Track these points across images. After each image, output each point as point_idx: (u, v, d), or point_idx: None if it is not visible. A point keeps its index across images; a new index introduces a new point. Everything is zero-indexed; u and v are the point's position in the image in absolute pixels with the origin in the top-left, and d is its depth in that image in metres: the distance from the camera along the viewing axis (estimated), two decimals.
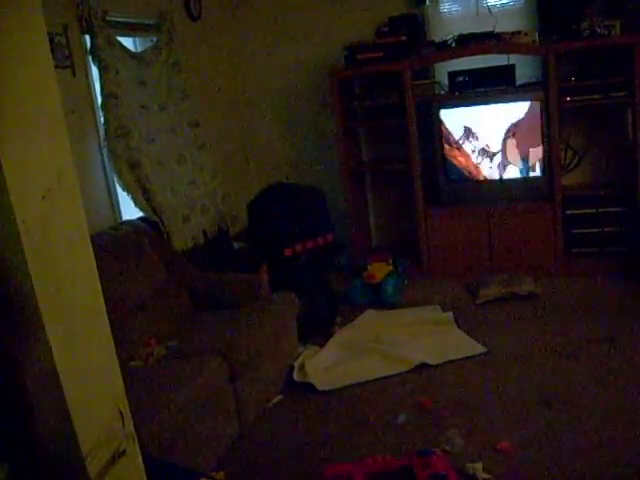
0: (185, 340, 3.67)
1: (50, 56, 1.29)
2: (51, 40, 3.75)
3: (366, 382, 3.87)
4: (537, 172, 5.11)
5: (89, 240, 1.33)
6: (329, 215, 4.91)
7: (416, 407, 3.55)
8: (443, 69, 5.36)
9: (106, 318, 1.37)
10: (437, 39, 5.26)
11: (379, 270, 5.08)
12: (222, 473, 3.12)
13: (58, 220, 1.22)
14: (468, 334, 4.31)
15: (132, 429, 1.43)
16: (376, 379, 3.89)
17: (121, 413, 1.41)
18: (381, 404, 3.65)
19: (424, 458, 2.64)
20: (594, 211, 5.08)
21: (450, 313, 4.61)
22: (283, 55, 5.87)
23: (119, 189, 4.35)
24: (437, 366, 3.95)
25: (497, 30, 5.03)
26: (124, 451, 1.38)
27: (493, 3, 5.32)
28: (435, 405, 3.55)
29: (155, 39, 4.85)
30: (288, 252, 4.54)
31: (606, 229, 5.08)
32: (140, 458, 1.43)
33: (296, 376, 3.95)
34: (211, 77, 5.66)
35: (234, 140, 5.99)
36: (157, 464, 2.31)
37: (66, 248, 1.24)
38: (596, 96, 4.86)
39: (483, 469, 2.93)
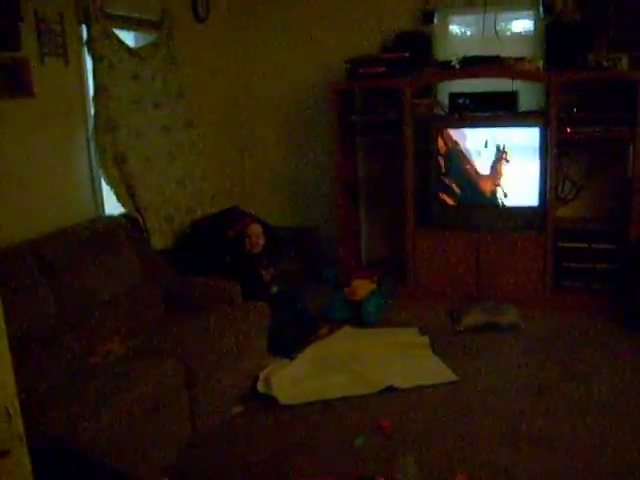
0: (149, 340, 3.60)
1: None
2: (40, 26, 3.72)
3: (331, 400, 3.77)
4: (533, 202, 5.01)
5: None
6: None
7: (376, 430, 3.45)
8: (445, 90, 5.28)
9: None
10: (442, 59, 5.19)
11: (362, 287, 4.99)
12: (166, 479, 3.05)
13: None
14: (443, 361, 4.20)
15: (21, 430, 1.37)
16: (341, 398, 3.80)
17: (9, 413, 1.35)
18: (342, 424, 3.55)
19: None
20: (586, 246, 4.98)
21: (426, 337, 4.51)
22: (287, 64, 5.81)
23: (104, 183, 4.31)
24: (405, 390, 3.85)
25: (503, 55, 4.95)
26: (8, 450, 1.33)
27: (502, 28, 5.26)
28: (396, 430, 3.45)
29: (155, 35, 4.82)
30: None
31: (597, 265, 4.97)
32: (27, 458, 1.37)
33: (260, 387, 3.86)
34: (211, 79, 5.62)
35: (230, 144, 5.92)
36: (84, 465, 2.25)
37: None
38: (597, 129, 4.77)
39: None
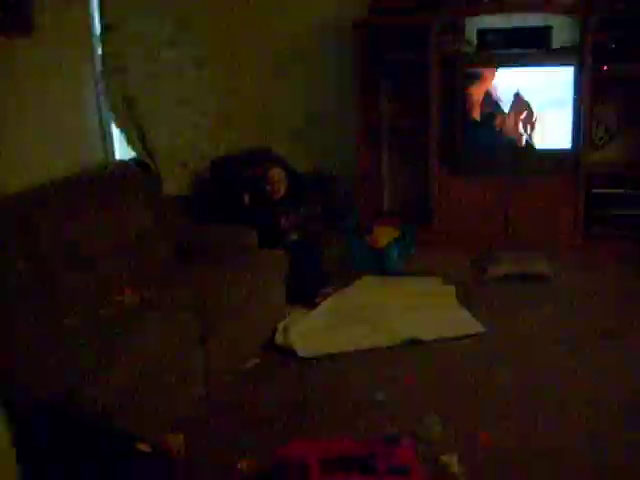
0: (162, 291, 3.45)
1: None
2: None
3: (351, 352, 3.63)
4: (565, 145, 4.74)
5: None
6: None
7: (398, 385, 3.30)
8: (474, 26, 4.96)
9: None
10: None
11: (385, 235, 4.80)
12: (181, 436, 2.92)
13: None
14: (469, 311, 4.03)
15: None
16: (362, 350, 3.65)
17: None
18: (362, 378, 3.40)
19: (389, 446, 2.40)
20: (621, 192, 4.73)
21: (452, 286, 4.33)
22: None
23: (114, 127, 4.13)
24: (429, 342, 3.69)
25: None
26: None
27: None
28: (419, 384, 3.30)
29: None
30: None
31: (630, 212, 4.72)
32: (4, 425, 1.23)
33: (278, 339, 3.72)
34: (224, 13, 5.29)
35: (246, 86, 5.61)
36: (93, 428, 2.12)
37: None
38: (636, 65, 4.47)
39: (459, 460, 2.69)
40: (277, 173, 4.47)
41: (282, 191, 4.44)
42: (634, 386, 3.20)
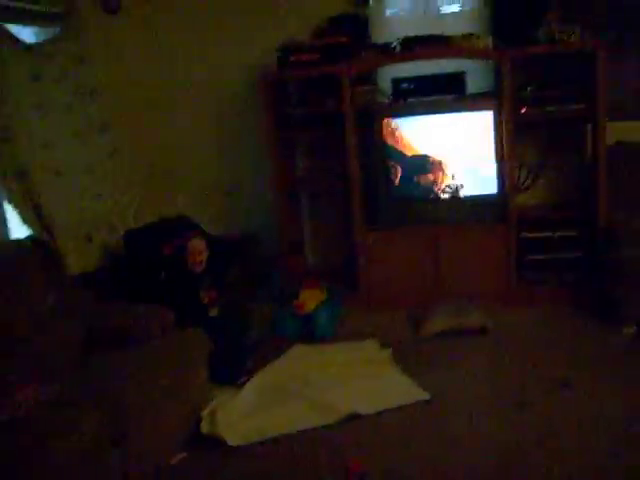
0: (67, 388, 3.01)
1: None
2: None
3: (287, 435, 3.26)
4: (489, 190, 4.60)
5: None
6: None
7: (343, 473, 2.95)
8: (386, 75, 4.82)
9: None
10: (381, 42, 4.73)
11: (311, 299, 4.51)
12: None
13: None
14: (408, 375, 3.75)
15: None
16: (299, 431, 3.29)
17: None
18: (302, 466, 3.04)
19: None
20: (550, 235, 4.61)
21: (389, 350, 4.05)
22: (213, 55, 5.16)
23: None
24: (371, 416, 3.37)
25: (447, 34, 4.53)
26: None
27: (443, 6, 4.84)
28: (367, 468, 2.95)
29: (59, 29, 4.22)
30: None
31: (562, 255, 4.60)
32: None
33: (204, 428, 3.32)
34: (129, 75, 5.00)
35: (155, 148, 5.27)
36: None
37: None
38: (553, 108, 4.40)
39: None
40: (198, 244, 4.12)
41: (203, 263, 4.08)
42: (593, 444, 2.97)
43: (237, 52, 5.11)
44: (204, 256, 4.09)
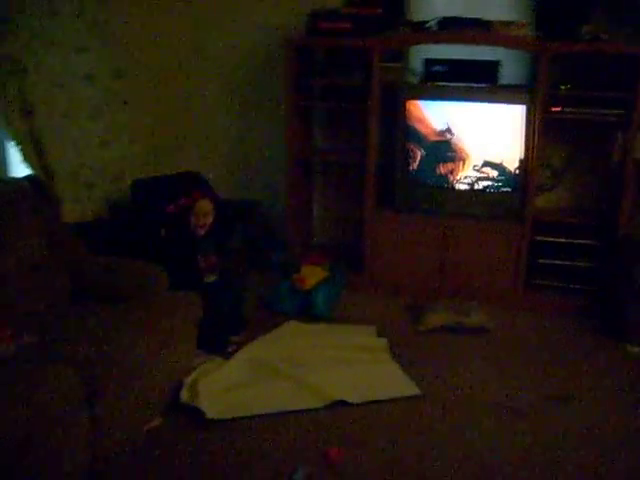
0: (48, 338, 2.89)
1: None
2: None
3: (268, 415, 3.14)
4: (509, 187, 4.43)
5: None
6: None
7: (322, 459, 2.83)
8: (416, 55, 4.62)
9: None
10: (417, 19, 4.52)
11: (312, 275, 4.37)
12: None
13: None
14: (403, 368, 3.61)
15: None
16: (281, 412, 3.17)
17: None
18: (280, 449, 2.92)
19: None
20: (565, 241, 4.44)
21: (385, 340, 3.91)
22: (241, 14, 5.00)
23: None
24: (358, 405, 3.24)
25: (487, 17, 4.32)
26: None
27: None
28: (346, 460, 2.84)
29: None
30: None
31: (575, 263, 4.43)
32: None
33: (183, 397, 3.20)
34: (148, 22, 4.78)
35: (168, 102, 5.08)
36: None
37: None
38: (588, 110, 4.20)
39: None
40: (205, 205, 3.92)
41: (207, 226, 3.90)
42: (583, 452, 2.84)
43: (263, 13, 4.89)
44: (208, 219, 3.90)
